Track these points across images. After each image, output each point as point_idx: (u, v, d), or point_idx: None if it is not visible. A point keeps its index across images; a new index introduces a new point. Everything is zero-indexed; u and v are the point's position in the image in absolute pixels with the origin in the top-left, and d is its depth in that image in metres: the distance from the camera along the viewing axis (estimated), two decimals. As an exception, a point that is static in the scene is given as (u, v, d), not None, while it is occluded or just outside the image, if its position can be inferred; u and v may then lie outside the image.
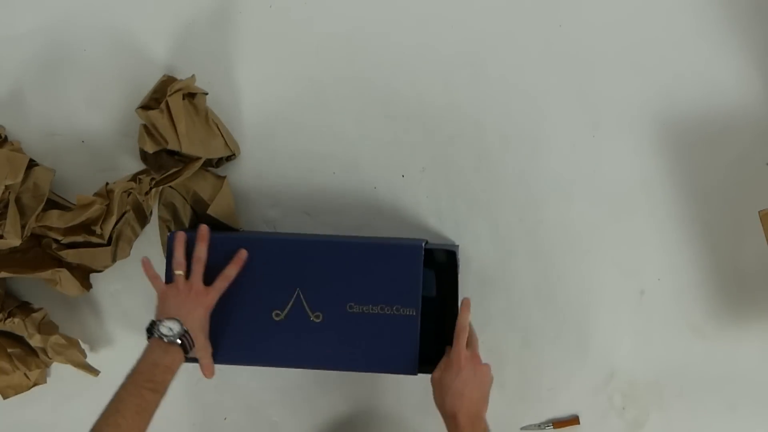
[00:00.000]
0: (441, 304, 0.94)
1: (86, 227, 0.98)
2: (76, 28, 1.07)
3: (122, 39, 1.07)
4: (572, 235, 1.02)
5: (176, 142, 0.96)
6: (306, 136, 1.05)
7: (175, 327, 0.86)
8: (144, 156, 1.03)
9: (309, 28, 1.05)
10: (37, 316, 1.02)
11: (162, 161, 1.01)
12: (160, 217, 1.03)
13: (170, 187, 1.00)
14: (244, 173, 1.05)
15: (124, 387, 0.82)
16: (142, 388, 0.81)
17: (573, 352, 1.02)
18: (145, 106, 0.99)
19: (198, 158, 0.99)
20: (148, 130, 0.98)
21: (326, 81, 1.05)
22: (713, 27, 0.99)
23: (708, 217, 1.00)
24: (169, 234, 0.97)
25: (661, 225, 1.01)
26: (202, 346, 0.90)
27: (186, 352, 0.87)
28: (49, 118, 1.08)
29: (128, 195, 0.98)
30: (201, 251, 0.93)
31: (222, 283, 0.92)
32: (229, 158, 1.04)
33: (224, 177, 1.02)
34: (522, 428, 1.04)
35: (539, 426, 1.03)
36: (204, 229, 0.94)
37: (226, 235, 0.97)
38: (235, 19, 1.05)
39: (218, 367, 1.06)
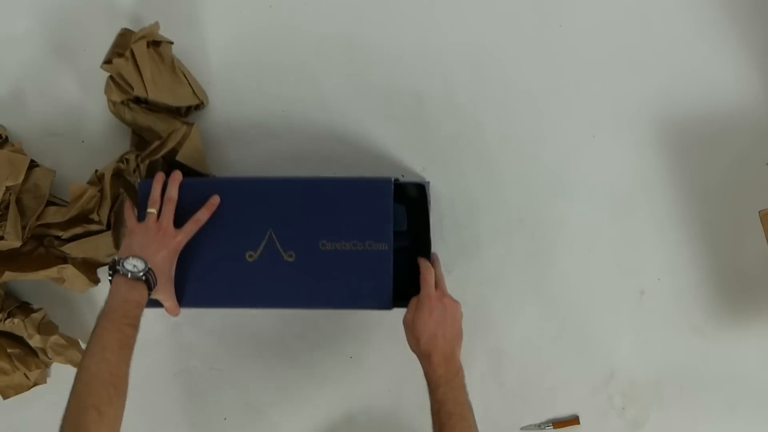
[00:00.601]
0: (413, 239, 0.94)
1: (84, 218, 0.99)
2: (75, 28, 1.07)
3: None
4: (572, 235, 1.02)
5: (142, 89, 0.97)
6: (310, 139, 1.05)
7: (140, 264, 0.85)
8: (117, 111, 1.03)
9: (309, 28, 1.05)
10: (36, 316, 1.02)
11: (134, 114, 1.01)
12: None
13: (140, 136, 1.01)
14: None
15: (101, 326, 0.82)
16: (121, 324, 0.82)
17: (573, 352, 1.02)
18: (108, 61, 0.99)
19: (180, 124, 1.00)
20: (115, 81, 0.99)
21: (325, 81, 1.05)
22: (713, 27, 1.00)
23: (708, 217, 1.00)
24: (139, 181, 0.97)
25: (661, 225, 1.01)
26: (163, 287, 0.89)
27: (150, 289, 0.87)
28: (49, 118, 1.08)
29: (119, 177, 0.99)
30: (173, 191, 0.92)
31: (192, 226, 0.91)
32: (197, 107, 1.05)
33: (192, 123, 1.02)
34: (522, 428, 1.04)
35: (539, 426, 1.03)
36: (177, 172, 0.94)
37: (197, 180, 0.98)
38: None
39: (219, 366, 1.07)
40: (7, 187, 0.96)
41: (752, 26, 0.99)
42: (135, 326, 0.84)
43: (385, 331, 1.04)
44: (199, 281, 0.94)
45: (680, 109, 1.00)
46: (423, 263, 0.90)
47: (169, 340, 1.07)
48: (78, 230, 0.99)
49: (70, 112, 1.08)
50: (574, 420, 1.02)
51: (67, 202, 1.04)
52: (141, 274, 0.85)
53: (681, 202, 1.01)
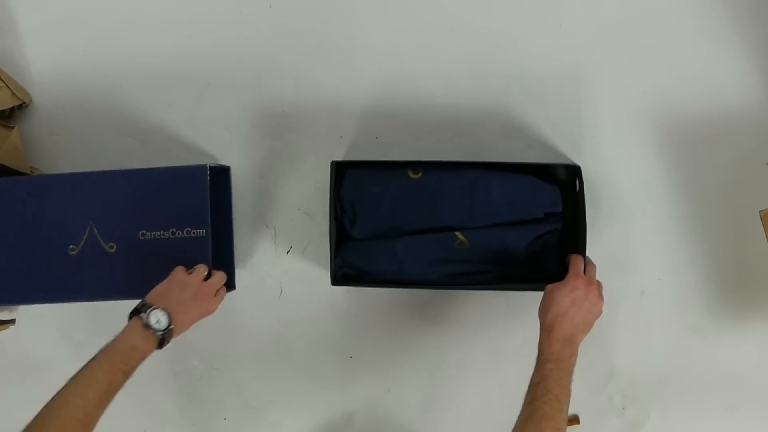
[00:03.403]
0: (566, 221, 0.95)
1: None
2: None
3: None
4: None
5: None
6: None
7: (164, 320, 0.85)
8: None
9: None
10: None
11: None
12: None
13: None
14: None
15: (99, 361, 0.81)
16: (117, 369, 0.81)
17: (573, 352, 1.02)
18: None
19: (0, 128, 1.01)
20: None
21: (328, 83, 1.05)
22: (714, 27, 0.99)
23: (708, 217, 1.00)
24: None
25: (661, 225, 1.01)
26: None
27: (160, 347, 0.86)
28: None
29: None
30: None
31: (219, 281, 0.93)
32: (20, 107, 1.06)
33: (13, 126, 1.03)
34: (522, 428, 1.04)
35: (539, 426, 1.03)
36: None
37: (18, 179, 1.00)
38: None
39: (219, 366, 1.07)
40: None
41: (753, 26, 0.99)
42: (128, 375, 0.83)
43: (386, 331, 1.04)
44: (22, 278, 0.96)
45: (680, 108, 1.00)
46: (574, 255, 0.91)
47: (169, 340, 1.07)
48: None
49: None
50: (574, 420, 1.02)
51: None
52: (160, 332, 0.85)
53: (681, 202, 1.00)
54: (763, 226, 0.90)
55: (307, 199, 1.05)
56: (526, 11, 1.02)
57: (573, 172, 0.95)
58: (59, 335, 1.08)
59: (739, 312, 1.00)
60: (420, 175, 0.95)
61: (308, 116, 1.05)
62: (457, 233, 0.94)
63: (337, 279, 0.96)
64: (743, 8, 0.99)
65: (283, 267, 1.06)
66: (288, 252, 1.06)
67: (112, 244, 0.95)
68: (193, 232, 0.94)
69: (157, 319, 0.85)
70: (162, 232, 0.95)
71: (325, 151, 1.03)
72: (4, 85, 1.03)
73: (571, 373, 0.83)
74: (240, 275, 1.06)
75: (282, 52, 1.05)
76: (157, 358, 1.07)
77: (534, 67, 1.02)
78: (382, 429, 1.06)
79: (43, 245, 0.96)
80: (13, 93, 1.03)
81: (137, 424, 1.08)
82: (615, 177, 1.01)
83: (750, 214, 0.97)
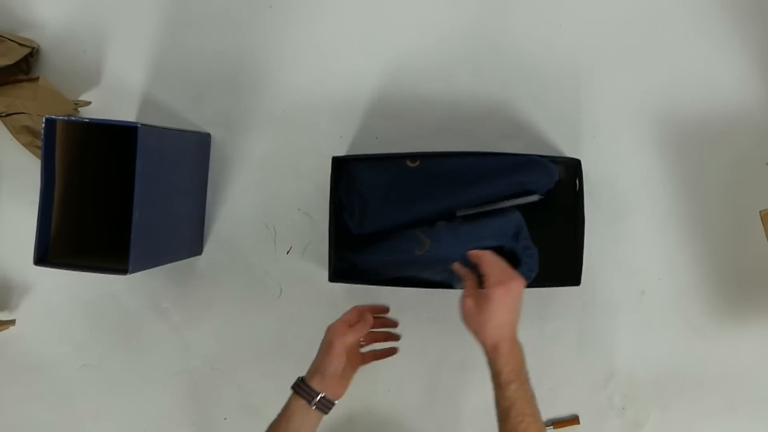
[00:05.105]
0: (565, 216, 0.95)
1: None
2: None
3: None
4: (572, 235, 1.02)
5: None
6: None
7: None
8: None
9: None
10: None
11: None
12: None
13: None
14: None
15: None
16: None
17: (573, 352, 1.02)
18: None
19: (27, 82, 1.00)
20: None
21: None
22: (714, 27, 0.99)
23: (708, 216, 1.00)
24: None
25: (661, 225, 1.01)
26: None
27: (325, 412, 0.87)
28: None
29: None
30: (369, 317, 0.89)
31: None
32: (32, 55, 1.05)
33: (37, 77, 1.02)
34: (522, 428, 1.04)
35: (539, 426, 1.03)
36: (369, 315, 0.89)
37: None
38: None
39: (219, 366, 1.07)
40: None
41: (753, 26, 0.99)
42: None
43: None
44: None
45: (680, 108, 1.00)
46: (474, 256, 0.84)
47: (169, 340, 1.07)
48: None
49: None
50: (574, 420, 1.02)
51: None
52: (314, 405, 0.86)
53: (681, 202, 1.01)
54: (763, 226, 0.90)
55: (307, 199, 1.05)
56: (527, 10, 1.02)
57: (573, 171, 0.95)
58: (59, 335, 1.08)
59: (739, 312, 1.00)
60: (417, 163, 0.96)
61: (308, 116, 1.05)
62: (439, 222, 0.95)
63: (336, 275, 0.95)
64: (743, 8, 0.99)
65: (283, 267, 1.06)
66: (288, 252, 1.06)
67: None
68: None
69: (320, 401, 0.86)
70: None
71: (325, 150, 1.03)
72: (6, 38, 1.02)
73: (527, 374, 0.79)
74: (240, 275, 1.06)
75: (282, 52, 1.05)
76: (157, 358, 1.07)
77: (534, 66, 1.02)
78: (382, 429, 1.06)
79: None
80: (19, 43, 1.02)
81: (137, 424, 1.08)
82: (615, 176, 1.01)
83: (750, 214, 0.97)
